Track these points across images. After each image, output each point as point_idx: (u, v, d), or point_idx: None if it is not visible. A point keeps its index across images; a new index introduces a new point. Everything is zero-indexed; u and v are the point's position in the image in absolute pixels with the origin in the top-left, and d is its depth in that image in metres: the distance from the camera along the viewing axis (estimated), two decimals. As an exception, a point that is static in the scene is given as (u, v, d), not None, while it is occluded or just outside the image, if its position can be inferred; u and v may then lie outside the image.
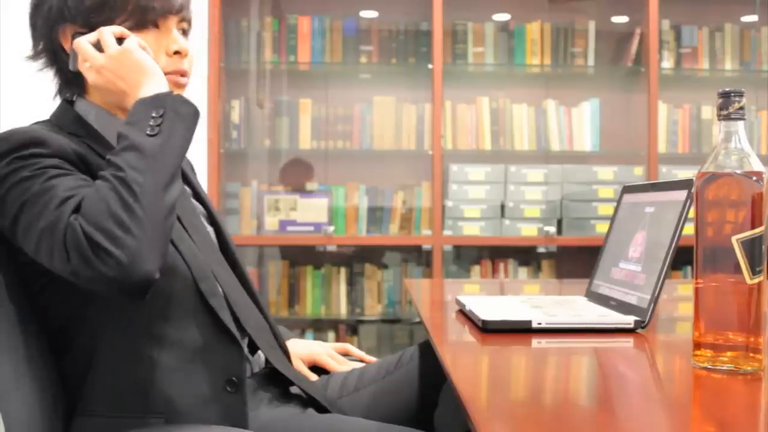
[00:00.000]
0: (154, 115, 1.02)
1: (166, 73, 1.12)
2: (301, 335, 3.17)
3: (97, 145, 1.10)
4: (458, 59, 3.17)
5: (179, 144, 1.04)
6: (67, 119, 1.12)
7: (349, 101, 3.18)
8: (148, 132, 1.00)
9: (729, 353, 0.86)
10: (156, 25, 1.13)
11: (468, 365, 0.98)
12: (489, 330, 1.13)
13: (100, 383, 1.05)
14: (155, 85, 1.06)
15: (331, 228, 3.03)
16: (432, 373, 1.36)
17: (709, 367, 0.87)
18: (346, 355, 1.55)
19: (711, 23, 3.23)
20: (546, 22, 3.17)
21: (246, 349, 1.14)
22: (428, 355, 1.39)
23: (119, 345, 1.05)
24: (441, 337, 1.17)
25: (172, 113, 1.03)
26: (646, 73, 3.08)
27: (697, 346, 0.89)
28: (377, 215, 3.16)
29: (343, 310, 3.17)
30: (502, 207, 3.08)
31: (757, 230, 0.85)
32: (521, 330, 1.12)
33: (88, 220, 0.94)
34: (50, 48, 1.13)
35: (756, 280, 0.85)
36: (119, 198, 0.95)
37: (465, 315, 1.28)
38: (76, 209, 0.96)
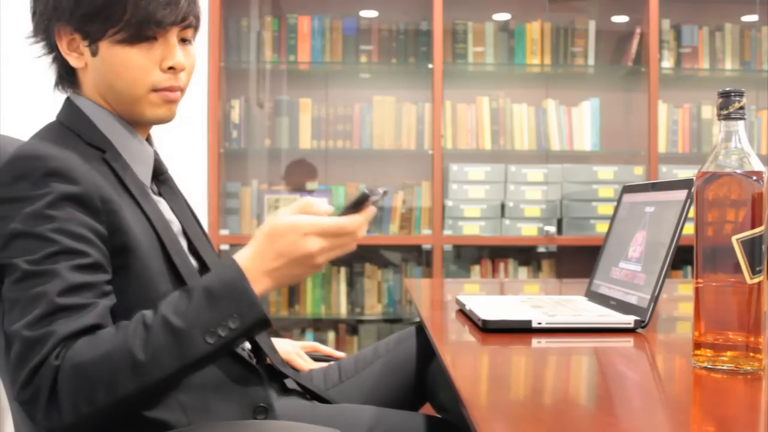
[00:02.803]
0: (231, 326, 0.91)
1: (156, 90, 1.08)
2: (302, 335, 3.17)
3: (114, 161, 1.06)
4: (458, 59, 3.17)
5: (211, 360, 0.94)
6: (82, 124, 1.08)
7: (349, 101, 3.18)
8: (208, 339, 0.90)
9: (729, 353, 0.86)
10: (154, 38, 1.07)
11: (468, 365, 0.98)
12: (489, 330, 1.13)
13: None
14: (265, 285, 0.96)
15: (331, 228, 3.03)
16: (426, 352, 1.42)
17: (709, 366, 0.87)
18: (315, 352, 1.59)
19: (711, 23, 3.23)
20: (546, 21, 3.17)
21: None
22: (423, 335, 1.44)
23: None
24: (441, 337, 1.17)
25: (242, 335, 0.93)
26: (646, 73, 3.08)
27: (697, 345, 0.89)
28: (377, 215, 3.16)
29: (343, 309, 3.17)
30: (502, 207, 3.08)
31: (757, 230, 0.85)
32: (521, 330, 1.12)
33: (74, 375, 0.87)
34: (49, 41, 1.10)
35: (756, 280, 0.85)
36: (120, 380, 0.88)
37: (465, 315, 1.28)
38: (67, 338, 0.88)
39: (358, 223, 0.99)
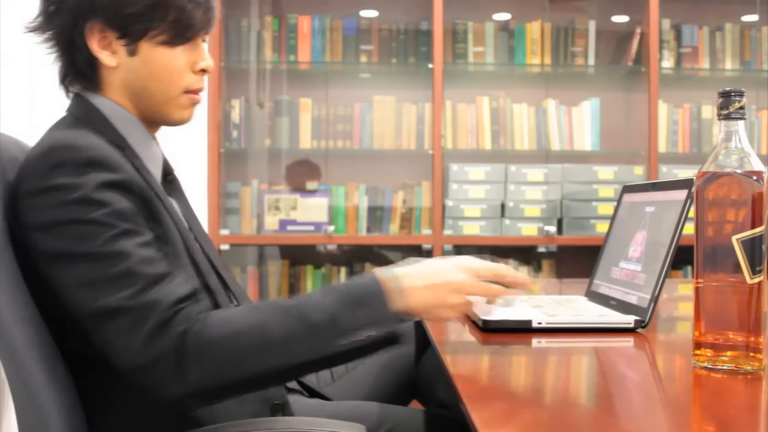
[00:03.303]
0: (365, 335, 0.91)
1: (188, 92, 1.10)
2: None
3: (135, 159, 1.06)
4: (458, 59, 3.17)
5: (336, 362, 0.95)
6: (98, 122, 1.07)
7: (349, 101, 3.17)
8: (340, 341, 0.91)
9: (729, 353, 0.86)
10: (189, 40, 1.09)
11: (468, 365, 0.98)
12: (489, 329, 1.13)
13: (136, 413, 1.01)
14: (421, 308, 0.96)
15: (332, 227, 3.03)
16: (415, 349, 1.45)
17: (710, 366, 0.87)
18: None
19: (711, 23, 3.23)
20: (546, 21, 3.17)
21: None
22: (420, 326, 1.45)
23: None
24: (441, 336, 1.17)
25: (371, 346, 0.93)
26: (646, 73, 3.08)
27: (698, 345, 0.89)
28: (377, 215, 3.16)
29: (343, 309, 3.16)
30: (503, 206, 3.08)
31: (757, 230, 0.85)
32: (521, 330, 1.12)
33: (205, 348, 0.88)
34: (68, 38, 1.07)
35: (756, 280, 0.85)
36: (250, 360, 0.89)
37: (465, 314, 1.28)
38: (182, 300, 0.90)
39: (509, 271, 0.97)
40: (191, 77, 1.10)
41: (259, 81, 3.19)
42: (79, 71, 1.09)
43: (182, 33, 1.07)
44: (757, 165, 0.86)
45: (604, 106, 3.21)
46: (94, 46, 1.06)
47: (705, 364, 0.87)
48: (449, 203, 3.06)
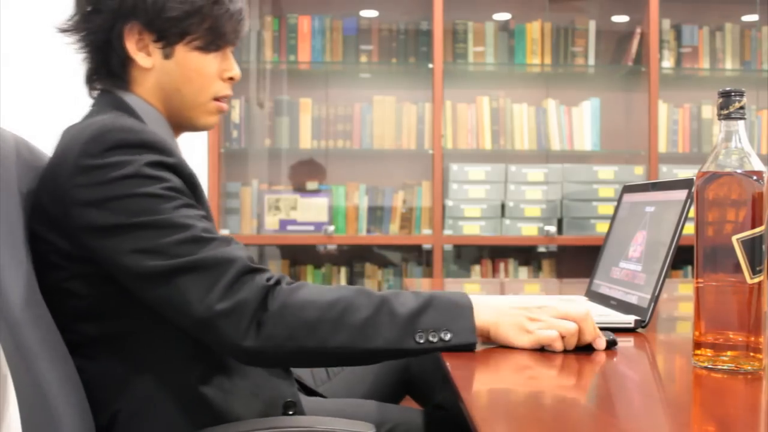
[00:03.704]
0: (443, 338, 0.94)
1: (216, 99, 1.13)
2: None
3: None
4: (458, 59, 3.17)
5: (405, 356, 0.98)
6: (134, 117, 1.08)
7: (349, 101, 3.18)
8: (418, 338, 0.93)
9: (729, 353, 0.86)
10: (220, 48, 1.13)
11: (468, 365, 0.98)
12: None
13: (150, 396, 1.01)
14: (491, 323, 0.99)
15: (332, 227, 3.03)
16: None
17: (710, 366, 0.87)
18: None
19: (711, 23, 3.23)
20: (546, 21, 3.17)
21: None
22: None
23: (177, 363, 1.02)
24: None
25: (445, 349, 0.96)
26: (646, 73, 3.08)
27: (698, 345, 0.89)
28: (377, 215, 3.16)
29: (343, 309, 3.16)
30: (503, 206, 3.08)
31: (758, 230, 0.85)
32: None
33: (291, 311, 0.91)
34: (104, 38, 1.09)
35: (756, 280, 0.85)
36: (332, 333, 0.91)
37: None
38: (253, 270, 0.93)
39: (582, 316, 0.98)
40: (220, 84, 1.14)
41: (259, 81, 3.20)
42: (111, 71, 1.11)
43: (215, 41, 1.11)
44: (757, 165, 0.86)
45: (604, 106, 3.21)
46: (131, 47, 1.08)
47: (705, 364, 0.87)
48: (449, 203, 3.06)
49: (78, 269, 0.99)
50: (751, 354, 0.85)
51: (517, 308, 0.99)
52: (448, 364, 0.93)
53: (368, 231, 3.14)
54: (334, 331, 0.91)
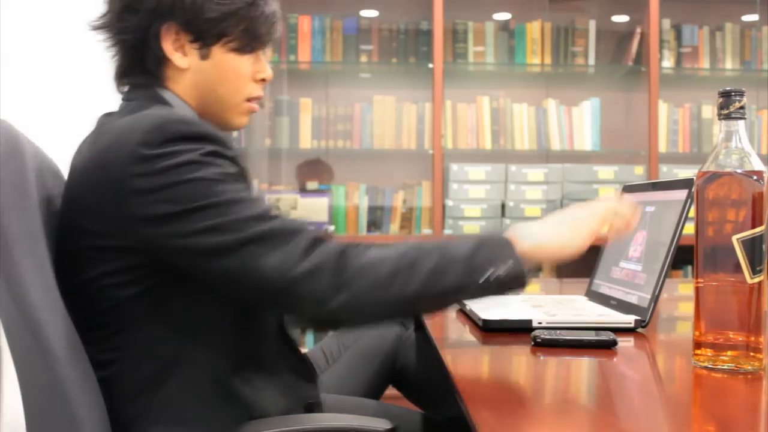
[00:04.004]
0: (496, 271, 0.98)
1: (248, 100, 1.15)
2: (302, 334, 3.17)
3: None
4: (459, 58, 3.17)
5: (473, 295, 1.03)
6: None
7: (349, 101, 3.17)
8: (481, 281, 0.97)
9: (729, 352, 0.86)
10: (254, 50, 1.14)
11: (468, 365, 0.98)
12: (489, 329, 1.13)
13: (181, 394, 1.02)
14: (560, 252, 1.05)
15: (332, 227, 3.03)
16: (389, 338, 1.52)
17: (710, 366, 0.87)
18: None
19: (711, 22, 3.23)
20: (546, 21, 3.17)
21: None
22: None
23: (212, 359, 1.03)
24: (441, 336, 1.17)
25: (503, 284, 0.99)
26: (646, 73, 3.08)
27: (698, 345, 0.89)
28: (378, 214, 3.16)
29: (343, 309, 3.16)
30: (503, 206, 3.08)
31: (758, 230, 0.85)
32: (522, 329, 1.11)
33: (363, 271, 0.94)
34: (140, 36, 1.09)
35: (756, 280, 0.85)
36: (405, 281, 0.94)
37: (465, 314, 1.28)
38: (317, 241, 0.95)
39: (631, 207, 1.08)
40: (253, 85, 1.15)
41: (259, 81, 3.19)
42: (146, 69, 1.11)
43: (250, 42, 1.12)
44: (757, 165, 0.86)
45: (604, 106, 3.21)
46: (168, 46, 1.09)
47: (705, 364, 0.87)
48: (449, 203, 3.06)
49: (124, 262, 0.98)
50: (751, 354, 0.85)
51: (555, 223, 1.05)
52: (448, 364, 0.93)
53: (368, 231, 3.14)
54: (409, 279, 0.94)
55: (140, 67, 1.11)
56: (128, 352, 1.01)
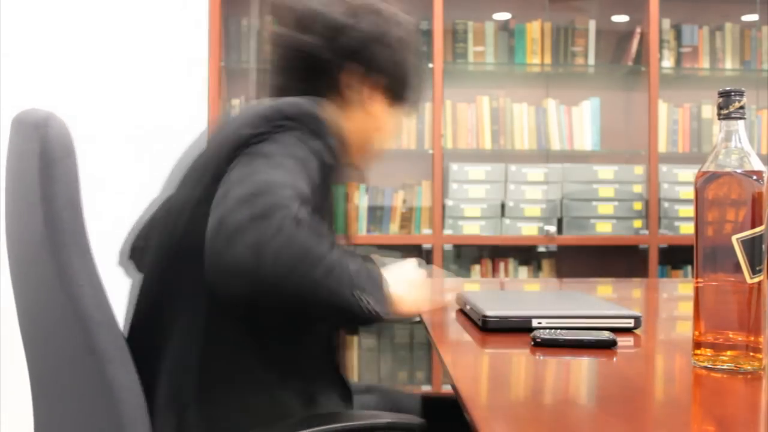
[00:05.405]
0: (367, 300, 0.99)
1: (379, 151, 1.27)
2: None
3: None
4: (458, 58, 3.17)
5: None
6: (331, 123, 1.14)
7: (349, 100, 3.17)
8: (355, 293, 0.98)
9: (729, 352, 0.86)
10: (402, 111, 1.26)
11: (468, 364, 0.98)
12: (489, 329, 1.13)
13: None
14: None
15: (332, 227, 3.03)
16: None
17: (710, 366, 0.87)
18: None
19: (711, 22, 3.23)
20: (546, 21, 3.17)
21: None
22: None
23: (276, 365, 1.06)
24: (441, 336, 1.17)
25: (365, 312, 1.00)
26: (646, 73, 3.07)
27: (697, 345, 0.89)
28: (377, 214, 3.16)
29: (343, 309, 3.16)
30: (503, 206, 3.08)
31: (757, 229, 0.85)
32: (521, 329, 1.12)
33: (292, 242, 0.92)
34: (324, 66, 1.16)
35: (756, 280, 0.85)
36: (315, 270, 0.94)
37: (465, 314, 1.28)
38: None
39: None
40: (388, 141, 1.28)
41: (259, 81, 3.19)
42: (314, 89, 1.15)
43: (413, 106, 1.26)
44: (757, 165, 0.86)
45: (604, 106, 3.21)
46: (346, 81, 1.17)
47: (705, 364, 0.87)
48: (449, 203, 3.05)
49: None
50: (751, 354, 0.85)
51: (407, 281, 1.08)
52: (448, 364, 0.93)
53: (368, 231, 3.14)
54: (314, 267, 0.92)
55: (307, 87, 1.15)
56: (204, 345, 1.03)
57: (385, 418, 1.02)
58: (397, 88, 1.21)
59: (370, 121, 1.21)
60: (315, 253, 0.91)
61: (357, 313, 0.95)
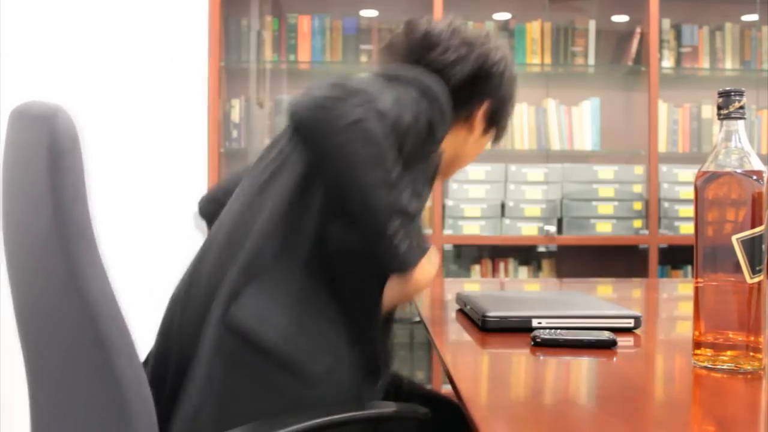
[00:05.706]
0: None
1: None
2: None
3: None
4: (458, 58, 3.16)
5: None
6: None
7: (349, 100, 3.17)
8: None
9: (729, 352, 0.86)
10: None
11: (468, 364, 0.98)
12: (489, 329, 1.13)
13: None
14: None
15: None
16: None
17: (710, 366, 0.87)
18: None
19: (711, 22, 3.23)
20: (546, 21, 3.17)
21: None
22: None
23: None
24: (441, 335, 1.17)
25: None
26: (646, 73, 3.07)
27: (697, 345, 0.89)
28: (377, 214, 3.15)
29: (343, 309, 3.16)
30: (503, 206, 3.08)
31: (757, 229, 0.85)
32: (521, 329, 1.12)
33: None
34: (466, 97, 1.25)
35: (756, 280, 0.85)
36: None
37: (465, 314, 1.28)
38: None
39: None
40: (467, 164, 1.38)
41: (259, 81, 3.19)
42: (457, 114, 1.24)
43: (499, 131, 1.35)
44: (757, 165, 0.86)
45: (604, 106, 3.21)
46: (475, 112, 1.28)
47: (705, 364, 0.87)
48: (449, 203, 3.06)
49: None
50: (751, 354, 0.85)
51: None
52: (448, 364, 0.93)
53: (368, 231, 3.13)
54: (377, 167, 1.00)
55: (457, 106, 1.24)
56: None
57: (391, 407, 1.03)
58: (499, 115, 1.31)
59: (468, 141, 1.30)
60: (386, 159, 0.99)
61: (384, 231, 1.00)
